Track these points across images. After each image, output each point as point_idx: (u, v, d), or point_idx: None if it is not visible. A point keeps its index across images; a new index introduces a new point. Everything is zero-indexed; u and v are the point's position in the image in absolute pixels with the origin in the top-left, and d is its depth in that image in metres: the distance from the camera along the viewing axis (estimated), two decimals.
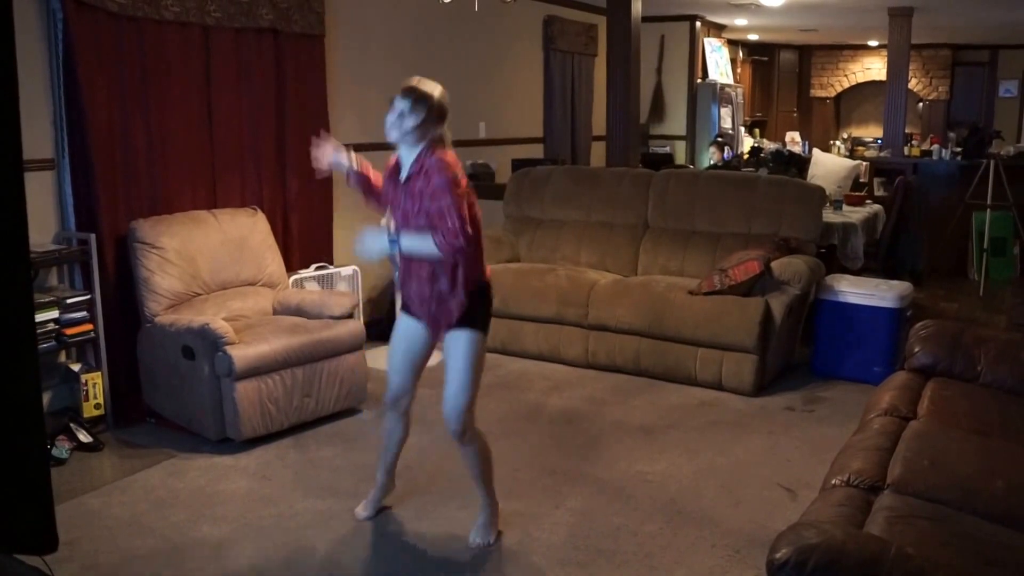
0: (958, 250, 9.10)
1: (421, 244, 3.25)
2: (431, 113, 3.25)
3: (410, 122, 3.24)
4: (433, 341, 3.54)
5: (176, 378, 4.60)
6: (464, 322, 3.37)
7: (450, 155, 3.29)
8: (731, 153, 10.86)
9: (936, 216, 8.64)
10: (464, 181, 3.27)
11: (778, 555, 2.08)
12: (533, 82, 9.22)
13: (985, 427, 3.32)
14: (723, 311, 5.36)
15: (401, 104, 3.24)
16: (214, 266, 5.03)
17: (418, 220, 3.26)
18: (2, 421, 2.79)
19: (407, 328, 3.55)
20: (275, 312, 5.17)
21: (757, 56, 15.30)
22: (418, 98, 3.25)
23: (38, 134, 4.60)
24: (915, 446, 3.05)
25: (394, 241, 3.30)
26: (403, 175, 3.33)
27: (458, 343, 3.38)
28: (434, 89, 3.30)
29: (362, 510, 3.84)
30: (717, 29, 12.56)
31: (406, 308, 3.55)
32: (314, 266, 5.89)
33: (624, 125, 7.62)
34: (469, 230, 3.19)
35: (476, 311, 3.39)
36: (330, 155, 3.49)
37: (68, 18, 4.52)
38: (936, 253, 8.81)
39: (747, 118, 13.78)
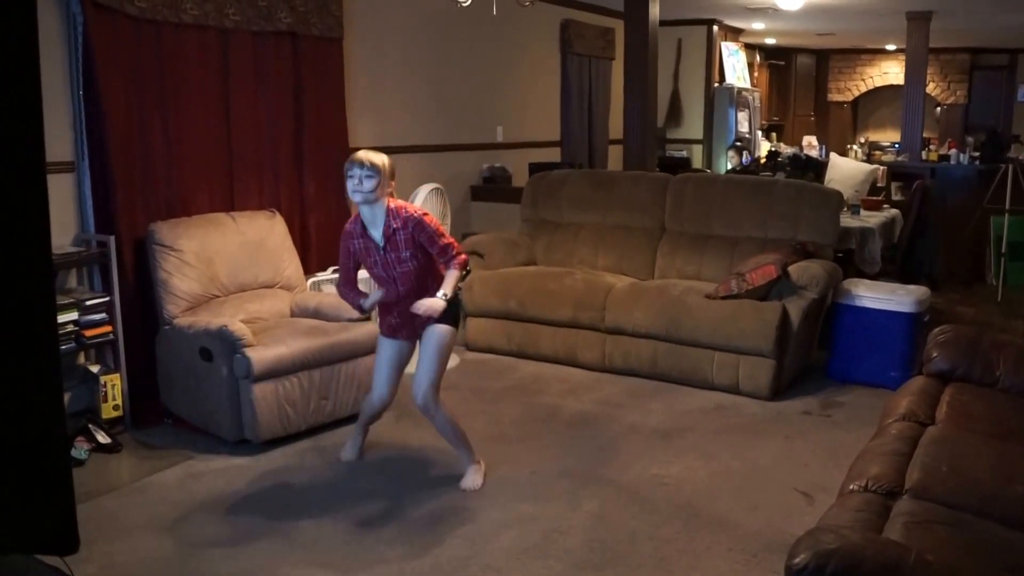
0: (975, 255, 9.04)
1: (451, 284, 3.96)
2: (384, 174, 3.88)
3: (369, 184, 3.83)
4: (413, 346, 4.21)
5: (194, 380, 4.62)
6: (442, 318, 4.01)
7: (413, 206, 4.03)
8: (749, 158, 10.84)
9: (954, 221, 8.59)
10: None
11: (797, 560, 2.07)
12: (550, 86, 9.23)
13: (1004, 432, 3.30)
14: (740, 315, 5.35)
15: (358, 172, 3.84)
16: (232, 268, 5.06)
17: (404, 265, 3.96)
18: (25, 422, 2.81)
19: (391, 348, 4.18)
20: (292, 314, 5.19)
21: (774, 60, 15.28)
22: (372, 166, 3.84)
23: (58, 137, 4.63)
24: (933, 451, 3.04)
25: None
26: (378, 233, 3.94)
27: (434, 333, 4.06)
28: (381, 157, 3.92)
29: (347, 454, 4.45)
30: (734, 33, 12.55)
31: (388, 332, 4.16)
32: (331, 268, 5.91)
33: (641, 129, 7.61)
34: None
35: (451, 308, 4.04)
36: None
37: (88, 22, 4.56)
38: (953, 258, 8.76)
39: (764, 122, 13.76)
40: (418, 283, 4.00)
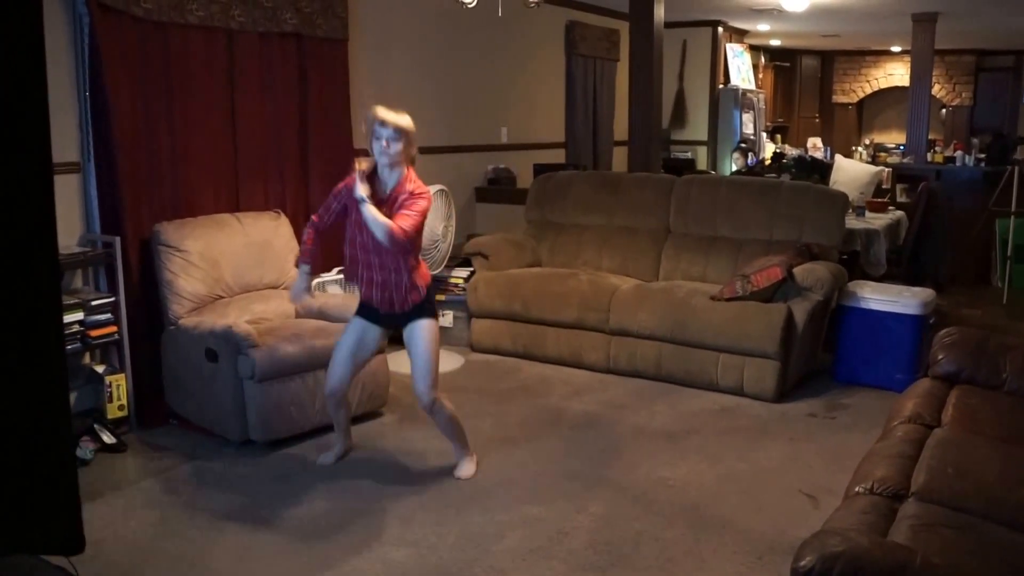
0: (981, 257, 9.03)
1: (377, 223, 3.78)
2: (409, 139, 3.88)
3: (396, 148, 3.83)
4: (383, 338, 4.29)
5: (199, 380, 4.62)
6: (422, 312, 4.06)
7: (421, 184, 3.97)
8: (754, 159, 10.83)
9: (959, 223, 8.57)
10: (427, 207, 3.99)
11: (803, 563, 2.07)
12: (555, 87, 9.23)
13: (1010, 435, 3.29)
14: (745, 317, 5.34)
15: (386, 133, 3.82)
16: (237, 269, 5.06)
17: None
18: (30, 423, 2.81)
19: (359, 328, 4.18)
20: (297, 315, 5.19)
21: (779, 62, 15.26)
22: (398, 129, 3.82)
23: (64, 137, 4.64)
24: (939, 454, 3.04)
25: (363, 201, 3.82)
26: (387, 189, 3.93)
27: (419, 330, 4.06)
28: (406, 119, 3.88)
29: (325, 459, 4.42)
30: (739, 35, 12.55)
31: (363, 309, 4.17)
32: (336, 269, 5.91)
33: (646, 130, 7.61)
34: (412, 241, 3.90)
35: (429, 304, 4.12)
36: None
37: (94, 23, 4.57)
38: (959, 260, 8.74)
39: (769, 124, 13.73)
40: (395, 256, 3.93)
